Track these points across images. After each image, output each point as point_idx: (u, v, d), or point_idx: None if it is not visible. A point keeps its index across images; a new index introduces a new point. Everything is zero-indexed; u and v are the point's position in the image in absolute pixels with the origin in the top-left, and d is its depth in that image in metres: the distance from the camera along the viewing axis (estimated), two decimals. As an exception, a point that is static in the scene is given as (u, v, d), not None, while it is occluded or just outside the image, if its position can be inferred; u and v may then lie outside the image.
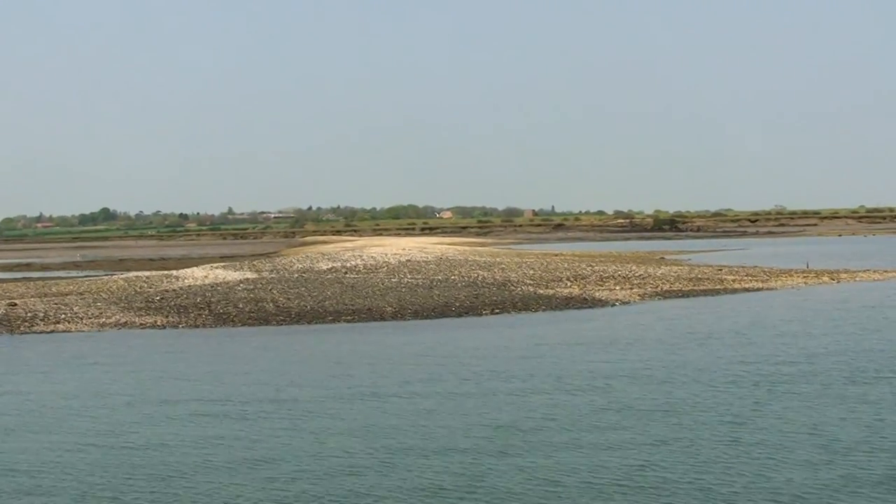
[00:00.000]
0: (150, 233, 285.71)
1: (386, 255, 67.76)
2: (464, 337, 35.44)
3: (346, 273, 56.49)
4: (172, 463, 18.33)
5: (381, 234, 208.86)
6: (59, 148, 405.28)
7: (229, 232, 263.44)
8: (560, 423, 20.54)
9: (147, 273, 61.44)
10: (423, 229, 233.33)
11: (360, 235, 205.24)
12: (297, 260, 64.18)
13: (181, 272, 59.30)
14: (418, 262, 63.25)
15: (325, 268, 59.07)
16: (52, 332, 39.80)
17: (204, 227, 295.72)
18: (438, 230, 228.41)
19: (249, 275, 55.89)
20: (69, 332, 39.77)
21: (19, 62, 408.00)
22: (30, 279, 73.39)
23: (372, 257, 64.70)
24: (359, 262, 61.83)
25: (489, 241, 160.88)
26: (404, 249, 78.99)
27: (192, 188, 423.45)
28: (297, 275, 55.55)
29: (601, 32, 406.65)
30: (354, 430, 20.51)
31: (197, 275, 56.69)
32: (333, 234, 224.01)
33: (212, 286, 50.74)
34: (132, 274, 60.95)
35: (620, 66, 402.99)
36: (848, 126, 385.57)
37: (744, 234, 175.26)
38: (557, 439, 19.24)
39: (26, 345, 36.40)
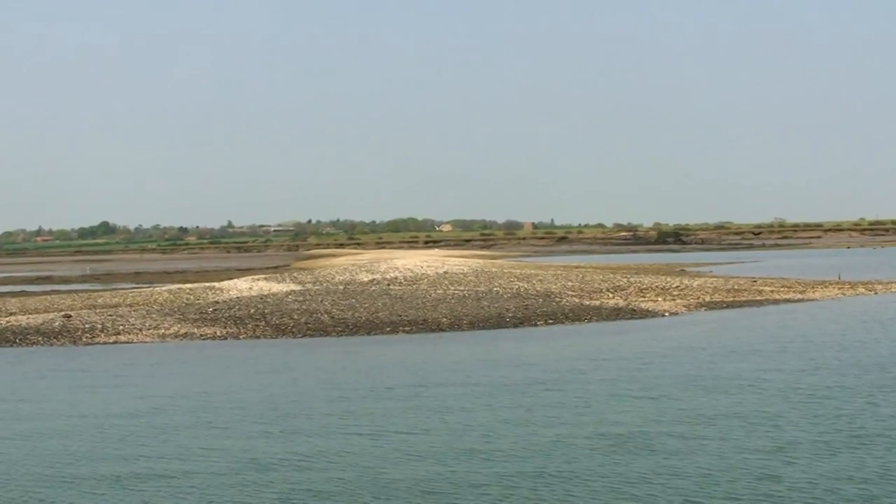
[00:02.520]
0: (150, 246, 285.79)
1: (422, 267, 68.10)
2: (533, 347, 35.77)
3: (388, 285, 56.90)
4: (301, 480, 18.51)
5: (384, 248, 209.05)
6: (57, 161, 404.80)
7: (232, 245, 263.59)
8: (678, 429, 20.90)
9: (189, 285, 61.76)
10: (426, 242, 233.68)
11: (365, 249, 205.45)
12: (338, 272, 64.54)
13: (223, 284, 59.64)
14: (456, 273, 63.65)
15: (366, 280, 59.44)
16: (115, 343, 40.10)
17: (204, 241, 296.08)
18: (442, 243, 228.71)
19: (294, 286, 56.21)
20: (131, 343, 40.07)
21: (15, 76, 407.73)
22: (57, 292, 73.58)
23: (409, 269, 65.09)
24: (398, 274, 62.23)
25: (498, 253, 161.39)
26: (426, 262, 79.18)
27: (190, 202, 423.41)
28: (341, 287, 55.90)
29: (598, 46, 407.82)
30: (472, 441, 20.87)
31: (241, 287, 57.00)
32: (337, 248, 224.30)
33: (261, 298, 51.06)
34: (174, 286, 61.30)
35: (617, 79, 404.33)
36: (845, 138, 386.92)
37: (750, 247, 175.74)
38: (683, 445, 19.62)
39: (94, 356, 36.62)
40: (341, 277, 60.51)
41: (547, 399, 25.03)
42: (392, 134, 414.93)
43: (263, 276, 67.00)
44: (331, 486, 17.51)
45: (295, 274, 66.34)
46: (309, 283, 58.32)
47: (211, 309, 47.18)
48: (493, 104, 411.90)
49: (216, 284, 59.66)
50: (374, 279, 59.63)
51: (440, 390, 26.70)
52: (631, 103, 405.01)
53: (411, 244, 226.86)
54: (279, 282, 59.52)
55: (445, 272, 64.01)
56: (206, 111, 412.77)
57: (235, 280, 62.40)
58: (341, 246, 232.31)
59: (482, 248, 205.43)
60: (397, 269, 65.18)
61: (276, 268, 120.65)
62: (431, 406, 24.44)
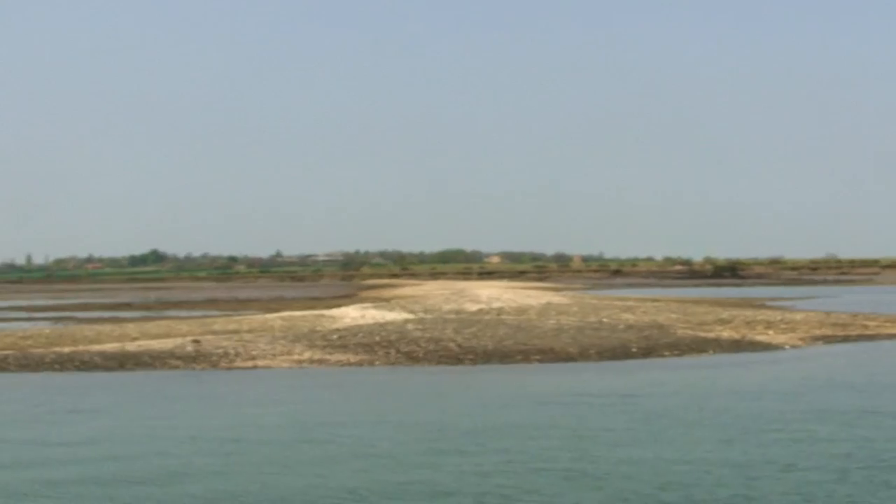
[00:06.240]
0: (201, 274, 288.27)
1: (524, 298, 68.88)
2: (684, 377, 36.26)
3: (498, 314, 57.55)
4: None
5: (439, 278, 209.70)
6: (107, 189, 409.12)
7: (287, 274, 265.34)
8: None
9: (300, 312, 62.69)
10: (480, 274, 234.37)
11: (420, 279, 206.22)
12: (443, 301, 65.37)
13: (334, 312, 60.54)
14: (558, 304, 64.32)
15: (474, 309, 60.19)
16: (253, 367, 40.71)
17: (254, 270, 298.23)
18: (496, 275, 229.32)
19: (406, 315, 56.92)
20: (270, 368, 40.63)
21: (64, 104, 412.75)
22: (151, 318, 74.73)
23: (513, 300, 65.83)
24: (502, 304, 62.95)
25: (559, 285, 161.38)
26: (507, 294, 79.64)
27: (239, 231, 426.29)
28: (453, 315, 56.59)
29: (643, 76, 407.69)
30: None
31: (353, 314, 57.83)
32: (391, 278, 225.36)
33: (380, 326, 51.72)
34: (285, 313, 62.20)
35: (661, 113, 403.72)
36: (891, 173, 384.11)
37: (812, 282, 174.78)
38: None
39: (244, 379, 37.25)
40: (448, 307, 61.28)
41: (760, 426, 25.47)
42: (437, 164, 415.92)
43: (371, 305, 67.84)
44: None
45: (402, 303, 67.09)
46: (420, 311, 59.02)
47: (336, 336, 47.85)
48: (542, 136, 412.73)
49: (326, 312, 60.59)
50: (481, 308, 60.34)
51: (653, 423, 27.10)
52: (678, 136, 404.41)
53: (465, 275, 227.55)
54: (389, 310, 60.31)
55: (548, 303, 64.70)
56: (255, 140, 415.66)
57: (346, 308, 63.36)
58: (395, 276, 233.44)
59: (537, 279, 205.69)
60: (498, 299, 65.90)
61: (344, 297, 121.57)
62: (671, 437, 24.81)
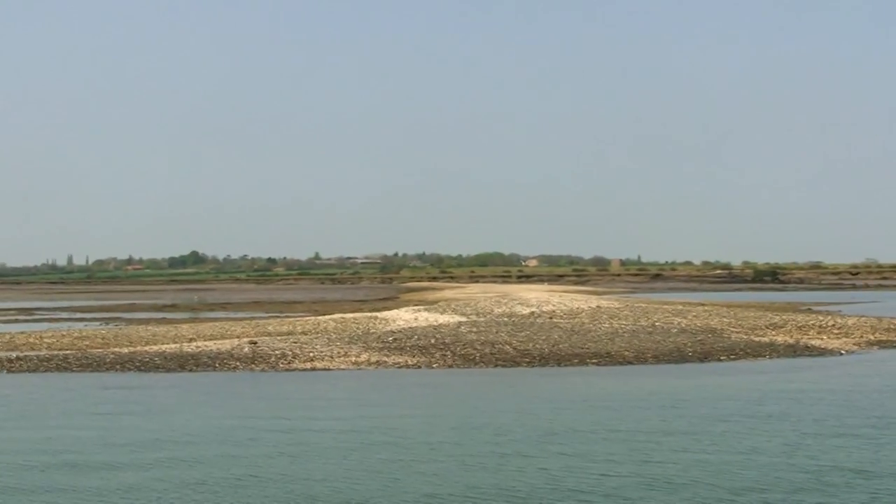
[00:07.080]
0: (240, 276, 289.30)
1: (573, 301, 69.02)
2: (745, 381, 36.26)
3: (551, 318, 57.72)
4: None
5: (478, 281, 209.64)
6: (147, 191, 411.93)
7: (327, 277, 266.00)
8: None
9: (351, 315, 63.13)
10: (518, 277, 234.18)
11: (460, 282, 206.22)
12: (493, 304, 65.68)
13: (386, 314, 61.03)
14: (608, 308, 64.43)
15: (526, 312, 60.44)
16: (312, 369, 40.98)
17: (292, 272, 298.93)
18: (534, 278, 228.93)
19: (459, 318, 57.26)
20: (328, 370, 40.88)
21: (105, 109, 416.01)
22: (199, 320, 75.39)
23: (563, 303, 66.02)
24: (553, 307, 63.23)
25: (600, 289, 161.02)
26: (554, 297, 79.70)
27: (277, 233, 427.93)
28: (505, 318, 56.84)
29: (679, 84, 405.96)
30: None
31: (406, 317, 58.25)
32: (431, 280, 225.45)
33: (434, 328, 52.06)
34: (336, 315, 62.65)
35: (693, 118, 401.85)
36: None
37: (853, 287, 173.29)
38: None
39: (307, 380, 37.53)
40: (500, 310, 61.61)
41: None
42: (476, 168, 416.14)
43: (423, 307, 68.28)
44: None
45: (453, 306, 67.36)
46: (472, 314, 59.35)
47: (391, 338, 48.19)
48: (577, 139, 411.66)
49: (378, 314, 61.00)
50: (533, 312, 60.59)
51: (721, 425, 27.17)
52: (710, 141, 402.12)
53: (504, 279, 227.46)
54: (440, 313, 60.64)
55: (598, 306, 64.83)
56: (294, 144, 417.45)
57: (396, 310, 63.81)
58: (434, 279, 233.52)
59: (576, 283, 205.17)
60: (548, 302, 66.11)
61: (387, 299, 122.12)
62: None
